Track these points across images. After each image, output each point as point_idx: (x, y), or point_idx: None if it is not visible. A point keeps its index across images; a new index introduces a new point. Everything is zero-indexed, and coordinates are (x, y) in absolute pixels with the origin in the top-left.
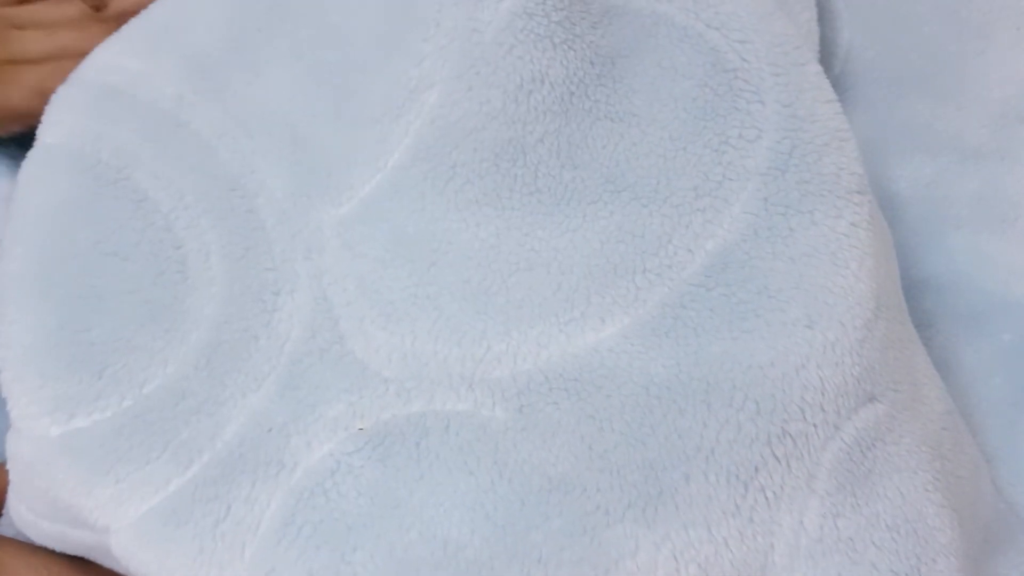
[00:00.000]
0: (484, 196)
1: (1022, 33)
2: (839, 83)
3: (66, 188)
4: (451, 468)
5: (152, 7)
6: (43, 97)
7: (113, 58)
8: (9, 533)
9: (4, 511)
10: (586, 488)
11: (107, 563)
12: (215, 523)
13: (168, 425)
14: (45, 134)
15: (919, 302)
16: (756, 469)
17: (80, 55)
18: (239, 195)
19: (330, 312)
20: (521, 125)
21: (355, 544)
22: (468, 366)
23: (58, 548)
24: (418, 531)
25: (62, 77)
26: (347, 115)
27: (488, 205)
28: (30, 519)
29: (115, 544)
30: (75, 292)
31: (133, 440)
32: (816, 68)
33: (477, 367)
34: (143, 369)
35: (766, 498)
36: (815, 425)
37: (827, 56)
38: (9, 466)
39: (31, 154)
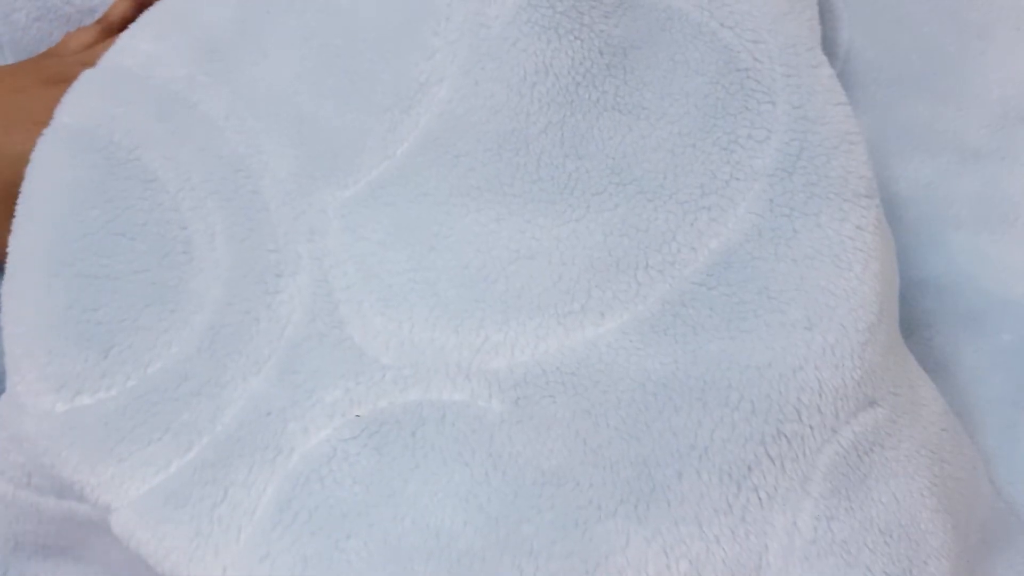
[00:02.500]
0: (486, 182)
1: (1022, 33)
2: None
3: (78, 167)
4: (446, 458)
5: None
6: None
7: (128, 41)
8: None
9: None
10: (579, 482)
11: (106, 540)
12: (212, 506)
13: (170, 406)
14: (62, 113)
15: (919, 302)
16: (749, 468)
17: None
18: (244, 176)
19: (330, 296)
20: (524, 116)
21: (349, 532)
22: (465, 355)
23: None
24: (411, 520)
25: None
26: (355, 100)
27: (489, 191)
28: (34, 500)
29: (115, 523)
30: (85, 271)
31: (136, 420)
32: (828, 71)
33: (474, 357)
34: (148, 349)
35: (759, 498)
36: (811, 427)
37: (827, 56)
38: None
39: (46, 132)
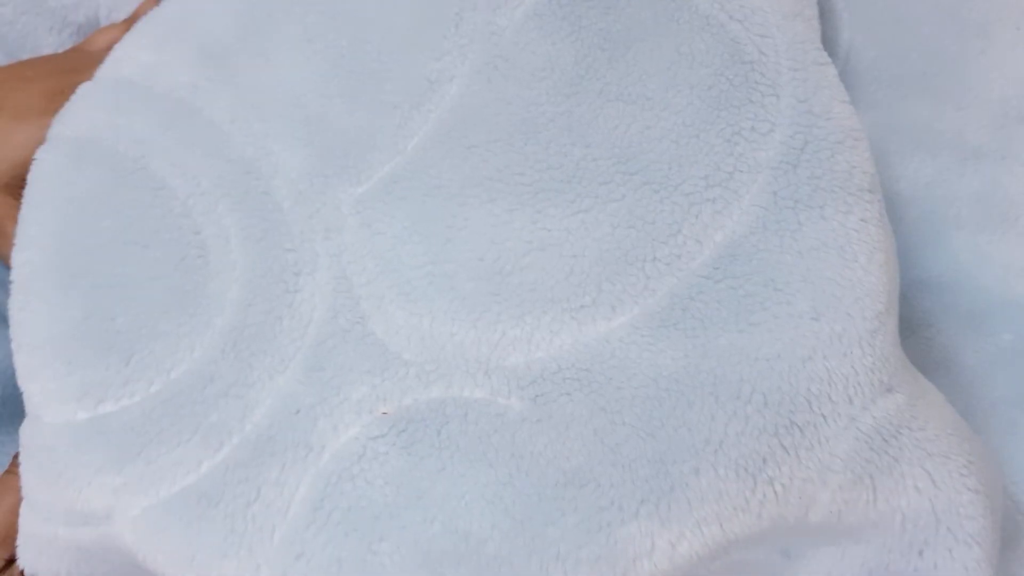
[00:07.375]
0: (498, 172)
1: (1022, 33)
2: None
3: (85, 180)
4: (471, 459)
5: (164, 3)
6: None
7: (127, 52)
8: None
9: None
10: (600, 483)
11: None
12: (246, 504)
13: (198, 408)
14: (65, 127)
15: (919, 302)
16: (764, 460)
17: None
18: (254, 178)
19: (351, 292)
20: (534, 107)
21: (381, 534)
22: (484, 351)
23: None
24: (441, 524)
25: None
26: (364, 99)
27: (501, 181)
28: (44, 532)
29: (143, 522)
30: (99, 282)
31: (163, 423)
32: (834, 71)
33: (492, 352)
34: (170, 354)
35: (775, 491)
36: (823, 416)
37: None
38: (23, 462)
39: (48, 145)
